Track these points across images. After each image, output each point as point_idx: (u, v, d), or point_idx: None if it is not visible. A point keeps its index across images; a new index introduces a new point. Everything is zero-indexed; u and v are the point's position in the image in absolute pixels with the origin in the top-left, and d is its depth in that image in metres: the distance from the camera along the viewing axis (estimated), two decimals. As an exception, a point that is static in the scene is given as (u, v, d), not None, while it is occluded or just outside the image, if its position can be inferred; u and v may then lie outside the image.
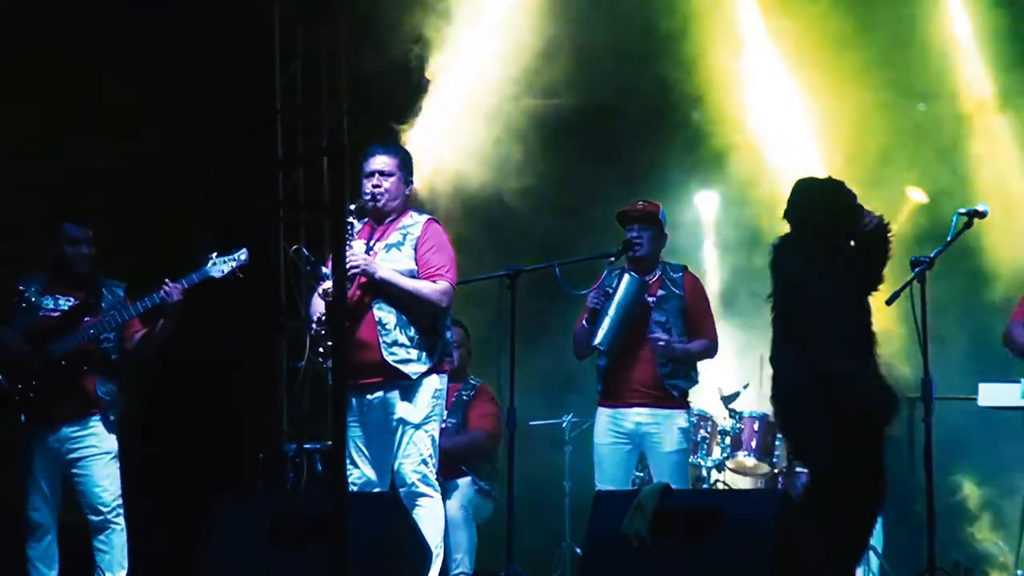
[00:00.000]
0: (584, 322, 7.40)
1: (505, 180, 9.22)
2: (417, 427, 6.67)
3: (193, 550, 6.05)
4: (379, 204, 6.81)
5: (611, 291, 7.29)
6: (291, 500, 6.85)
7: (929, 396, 6.54)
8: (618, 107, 9.48)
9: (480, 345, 8.75)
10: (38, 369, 6.94)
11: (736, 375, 8.98)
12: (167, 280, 6.95)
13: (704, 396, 8.40)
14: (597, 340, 7.21)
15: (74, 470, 7.02)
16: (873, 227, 6.29)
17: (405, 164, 6.89)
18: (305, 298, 7.07)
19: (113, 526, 7.03)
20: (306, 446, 8.07)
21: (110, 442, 7.05)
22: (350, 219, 6.73)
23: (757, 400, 8.54)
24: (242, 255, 7.00)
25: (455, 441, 8.06)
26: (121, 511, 7.05)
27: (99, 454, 7.02)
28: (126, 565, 7.04)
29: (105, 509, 7.02)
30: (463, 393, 8.27)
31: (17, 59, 8.31)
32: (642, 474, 7.85)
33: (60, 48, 8.36)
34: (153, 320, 7.07)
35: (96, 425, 7.02)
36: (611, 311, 7.22)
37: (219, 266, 6.98)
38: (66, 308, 7.06)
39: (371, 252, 6.74)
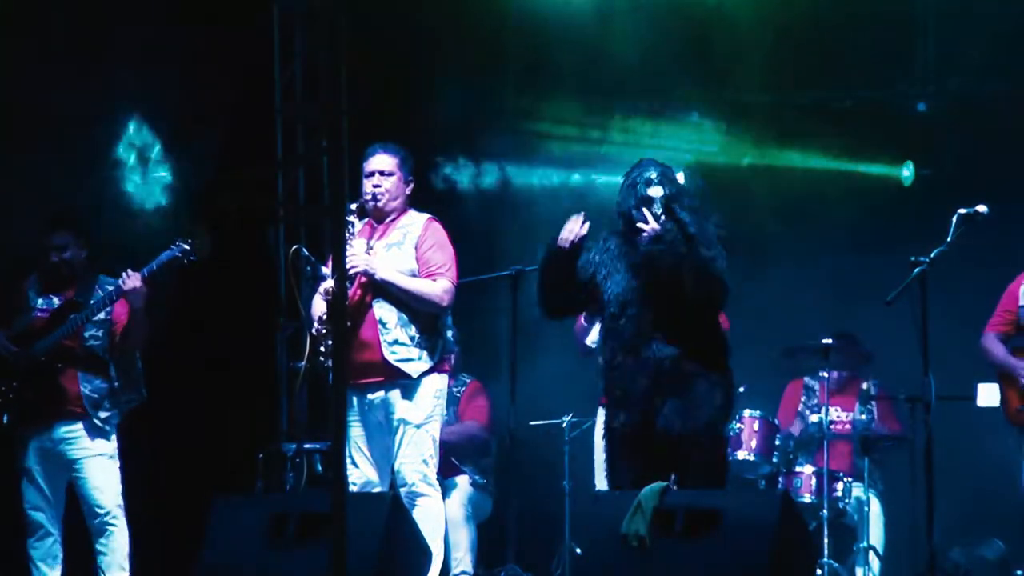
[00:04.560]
0: (583, 320, 7.42)
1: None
2: (418, 427, 6.67)
3: (193, 550, 6.05)
4: (379, 204, 6.81)
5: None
6: (290, 500, 6.84)
7: (929, 396, 6.54)
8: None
9: (481, 345, 8.77)
10: (20, 369, 6.95)
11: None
12: (127, 270, 6.96)
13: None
14: (589, 339, 7.28)
15: (72, 472, 7.03)
16: None
17: (405, 163, 6.89)
18: (305, 298, 7.06)
19: (111, 528, 7.01)
20: (306, 446, 8.07)
21: (102, 443, 7.03)
22: (350, 218, 6.74)
23: (757, 400, 8.53)
24: (185, 245, 6.97)
25: (449, 432, 8.09)
26: (121, 512, 7.02)
27: (92, 455, 7.01)
28: (127, 567, 7.02)
29: (101, 511, 6.99)
30: (454, 388, 8.34)
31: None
32: (642, 474, 7.86)
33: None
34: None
35: (88, 424, 7.02)
36: None
37: (174, 250, 6.97)
38: (56, 307, 7.08)
39: (371, 251, 6.74)
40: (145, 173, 8.75)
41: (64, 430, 6.99)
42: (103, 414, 7.04)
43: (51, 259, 7.11)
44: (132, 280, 6.92)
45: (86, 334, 7.04)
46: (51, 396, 6.98)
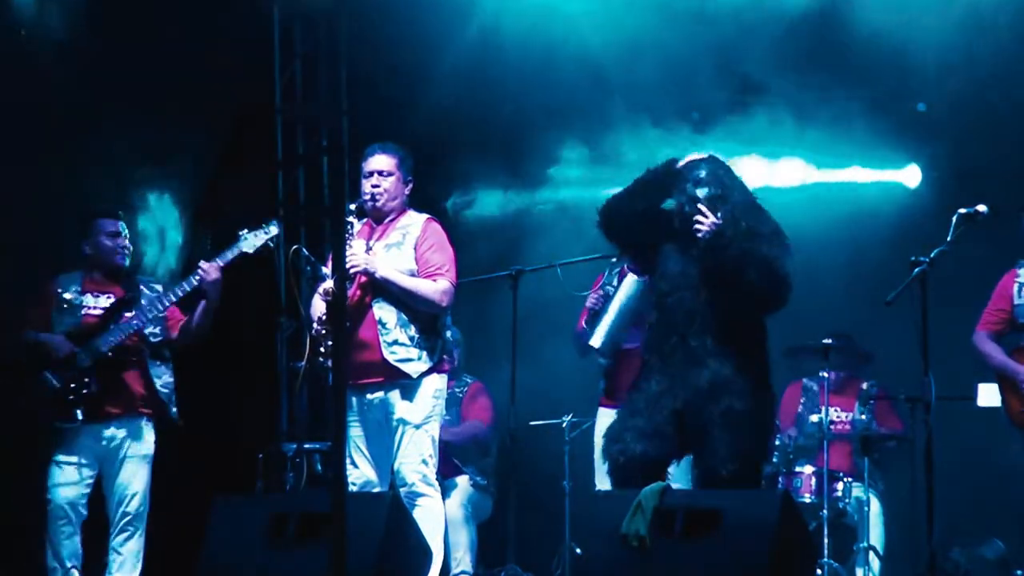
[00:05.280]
0: (584, 323, 7.41)
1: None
2: (417, 427, 6.68)
3: (193, 550, 6.05)
4: (378, 204, 6.82)
5: (612, 290, 7.30)
6: (290, 500, 6.85)
7: (929, 396, 6.54)
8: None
9: (482, 345, 8.77)
10: (89, 366, 6.92)
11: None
12: (202, 261, 6.97)
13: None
14: (593, 341, 7.24)
15: (112, 468, 6.99)
16: None
17: (404, 163, 6.89)
18: (305, 298, 7.06)
19: (132, 531, 6.99)
20: (306, 446, 8.08)
21: (148, 446, 7.02)
22: (350, 219, 6.75)
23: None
24: (272, 227, 7.01)
25: (453, 433, 8.11)
26: (144, 517, 7.01)
27: (137, 456, 7.00)
28: (138, 570, 7.00)
29: (130, 512, 6.97)
30: (457, 390, 8.36)
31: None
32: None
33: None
34: (193, 306, 7.07)
35: (145, 424, 7.02)
36: (610, 312, 7.22)
37: (250, 240, 6.99)
38: (107, 305, 7.05)
39: (371, 251, 6.74)
40: (163, 244, 8.78)
41: (123, 427, 6.97)
42: (175, 409, 7.05)
43: (117, 244, 7.08)
44: (212, 271, 6.92)
45: (146, 331, 7.03)
46: (120, 393, 6.96)
